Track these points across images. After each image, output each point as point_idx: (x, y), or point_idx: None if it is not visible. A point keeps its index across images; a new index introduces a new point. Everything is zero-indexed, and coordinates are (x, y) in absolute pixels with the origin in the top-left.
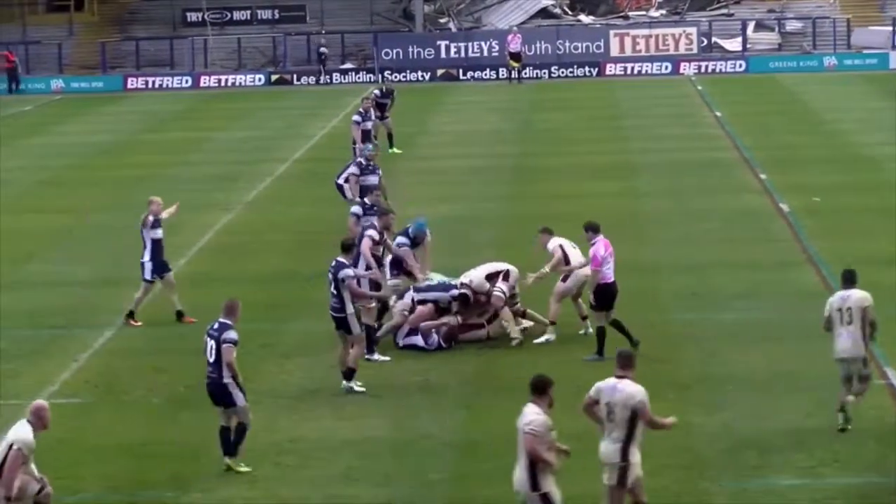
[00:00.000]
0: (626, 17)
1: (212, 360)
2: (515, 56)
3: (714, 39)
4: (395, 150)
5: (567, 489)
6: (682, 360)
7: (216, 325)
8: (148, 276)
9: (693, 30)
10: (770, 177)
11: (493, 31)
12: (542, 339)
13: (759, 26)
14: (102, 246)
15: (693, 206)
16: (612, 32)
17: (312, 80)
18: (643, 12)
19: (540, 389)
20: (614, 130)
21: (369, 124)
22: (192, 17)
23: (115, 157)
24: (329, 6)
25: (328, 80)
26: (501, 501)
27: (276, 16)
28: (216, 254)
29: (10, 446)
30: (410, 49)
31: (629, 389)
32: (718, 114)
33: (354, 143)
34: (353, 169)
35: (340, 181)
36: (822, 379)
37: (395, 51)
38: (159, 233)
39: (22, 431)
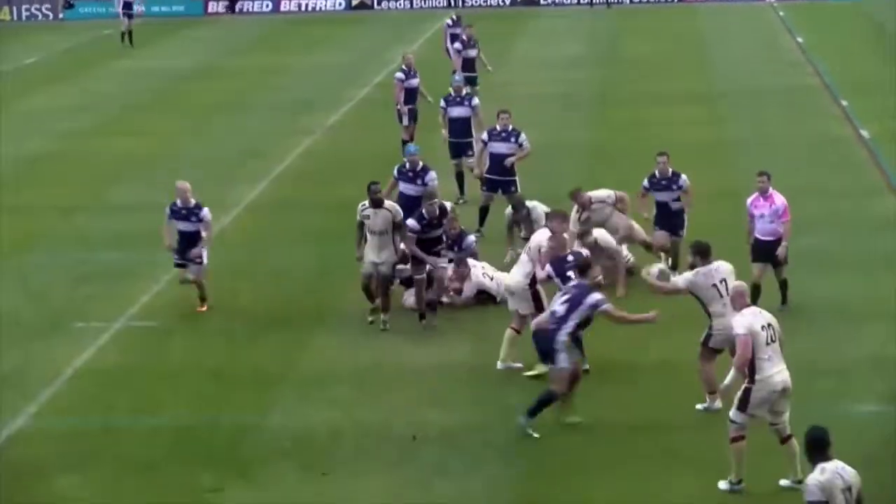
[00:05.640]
0: None
1: (562, 313)
2: None
3: None
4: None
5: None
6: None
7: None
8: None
9: None
10: (851, 103)
11: None
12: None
13: None
14: (187, 172)
15: (774, 132)
16: None
17: (394, 4)
18: None
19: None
20: (696, 57)
21: (415, 81)
22: None
23: (196, 83)
24: None
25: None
26: (579, 426)
27: None
28: (297, 179)
29: None
30: None
31: None
32: (800, 40)
33: (397, 104)
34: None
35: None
36: None
37: None
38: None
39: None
